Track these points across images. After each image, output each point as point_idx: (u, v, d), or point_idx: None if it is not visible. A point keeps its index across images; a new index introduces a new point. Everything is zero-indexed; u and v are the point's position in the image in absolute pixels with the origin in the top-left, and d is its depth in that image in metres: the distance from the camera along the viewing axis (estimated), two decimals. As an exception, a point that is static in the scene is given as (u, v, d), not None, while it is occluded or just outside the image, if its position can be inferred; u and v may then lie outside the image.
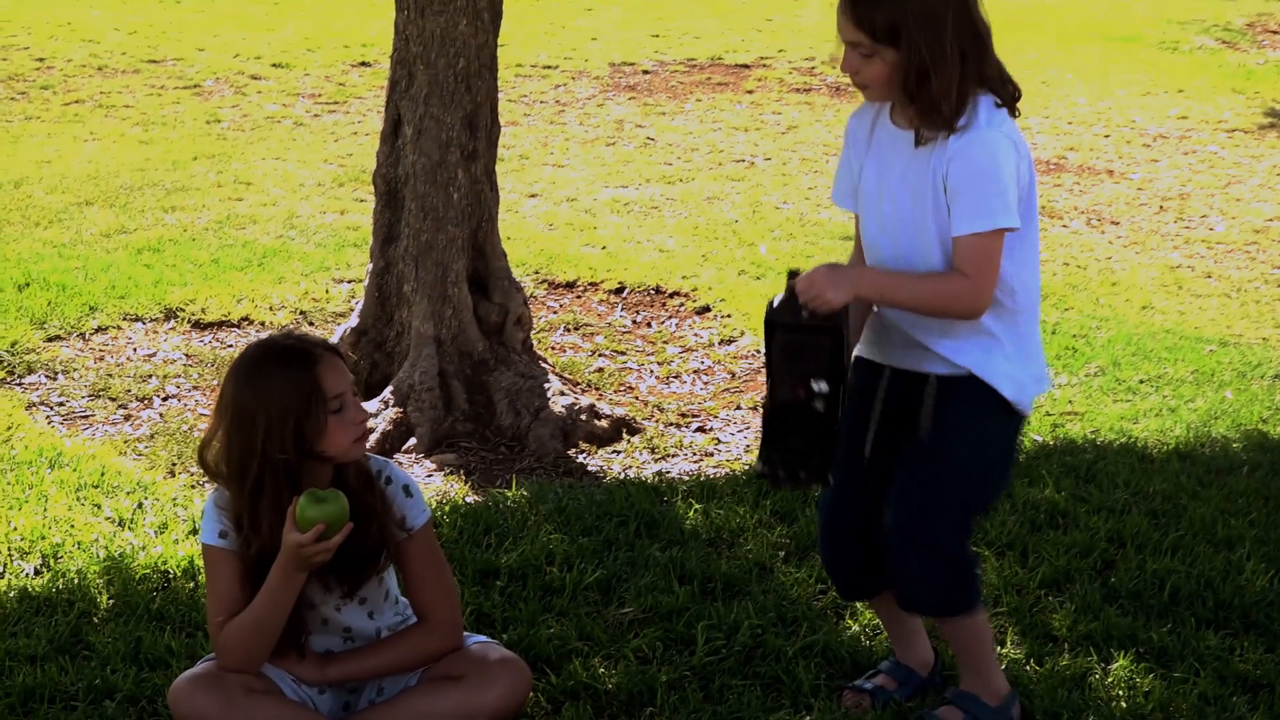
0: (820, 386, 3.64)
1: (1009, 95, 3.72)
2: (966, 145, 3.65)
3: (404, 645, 3.93)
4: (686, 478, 5.77)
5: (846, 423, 3.83)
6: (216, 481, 3.81)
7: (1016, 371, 3.81)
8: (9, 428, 6.08)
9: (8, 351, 6.93)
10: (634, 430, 6.34)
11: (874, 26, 3.62)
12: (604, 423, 6.30)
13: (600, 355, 7.22)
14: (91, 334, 7.28)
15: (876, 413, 3.90)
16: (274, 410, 3.66)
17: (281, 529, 3.67)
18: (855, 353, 3.94)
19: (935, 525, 3.85)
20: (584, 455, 6.12)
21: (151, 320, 7.46)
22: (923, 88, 3.63)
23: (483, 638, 4.06)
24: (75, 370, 6.85)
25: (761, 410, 3.74)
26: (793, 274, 3.72)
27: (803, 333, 3.65)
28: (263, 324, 7.42)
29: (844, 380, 3.72)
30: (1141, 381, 6.96)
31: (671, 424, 6.47)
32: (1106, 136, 12.09)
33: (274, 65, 13.72)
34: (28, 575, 4.83)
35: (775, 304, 3.71)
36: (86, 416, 6.44)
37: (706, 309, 7.80)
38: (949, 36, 3.60)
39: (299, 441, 3.68)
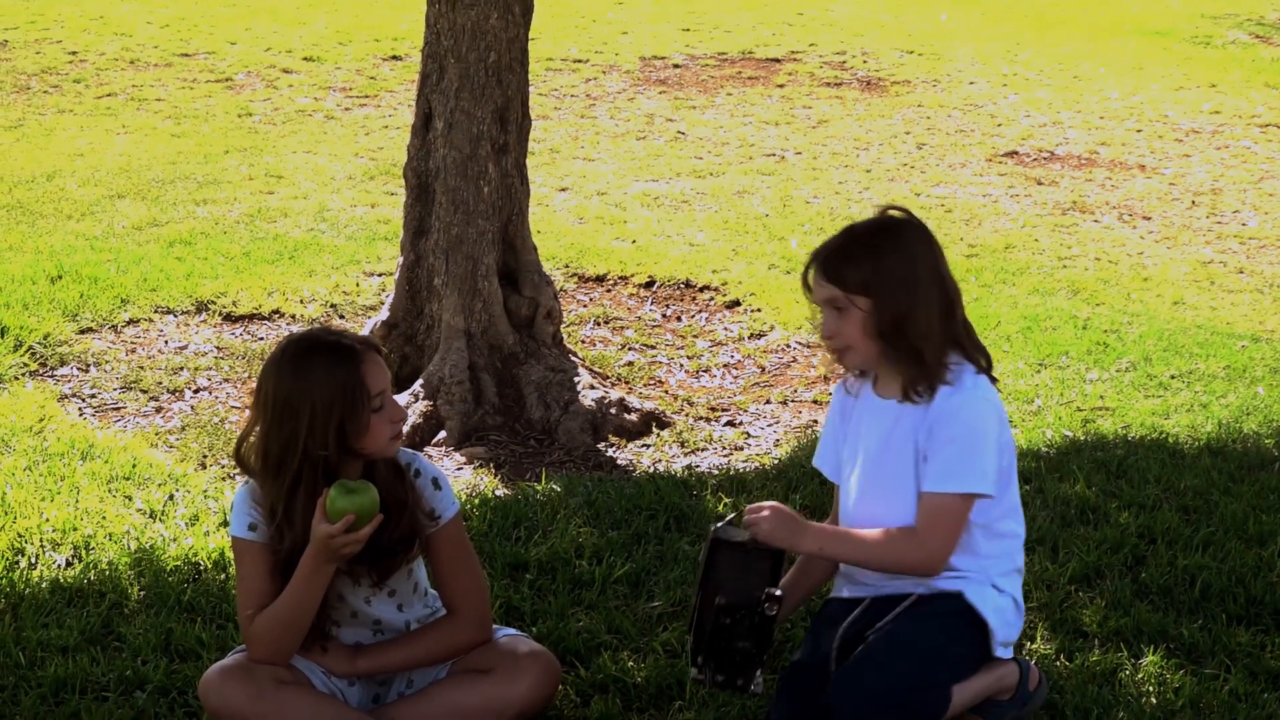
0: (774, 591, 3.71)
1: (984, 362, 3.72)
2: (955, 407, 3.65)
3: (433, 638, 3.93)
4: (716, 471, 5.77)
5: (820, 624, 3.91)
6: (251, 477, 3.81)
7: (1003, 605, 3.75)
8: (41, 419, 6.11)
9: (40, 344, 6.96)
10: (663, 424, 6.34)
11: (845, 279, 3.68)
12: (633, 416, 6.30)
13: (630, 349, 7.22)
14: (123, 326, 7.30)
15: (851, 619, 3.84)
16: (318, 406, 3.65)
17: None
18: (836, 590, 3.95)
19: (874, 648, 3.71)
20: (613, 449, 6.13)
21: (183, 313, 7.49)
22: (900, 334, 3.65)
23: (512, 631, 4.06)
24: (107, 362, 6.88)
25: (693, 617, 3.80)
26: (720, 518, 3.83)
27: (746, 553, 3.74)
28: (293, 317, 7.44)
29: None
30: (1173, 377, 6.93)
31: (701, 418, 6.47)
32: (1139, 131, 12.05)
33: (305, 59, 13.75)
34: (59, 566, 4.86)
35: (721, 523, 3.80)
36: (118, 409, 6.47)
37: (736, 303, 7.79)
38: (920, 285, 3.65)
39: (340, 438, 3.68)
